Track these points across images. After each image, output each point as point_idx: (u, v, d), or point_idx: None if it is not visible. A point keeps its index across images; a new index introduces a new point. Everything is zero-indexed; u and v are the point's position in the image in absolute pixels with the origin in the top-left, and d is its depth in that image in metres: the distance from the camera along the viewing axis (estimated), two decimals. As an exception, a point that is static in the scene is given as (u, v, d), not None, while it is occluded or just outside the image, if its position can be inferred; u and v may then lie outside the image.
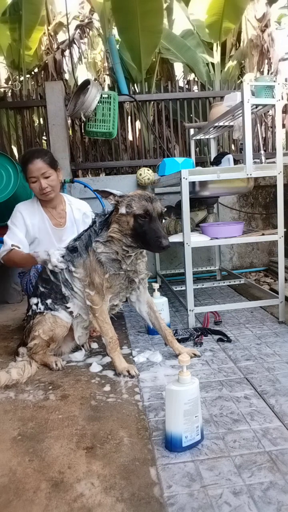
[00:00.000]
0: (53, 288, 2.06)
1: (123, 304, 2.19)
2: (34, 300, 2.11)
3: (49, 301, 2.06)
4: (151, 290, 2.40)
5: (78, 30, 5.47)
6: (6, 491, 1.19)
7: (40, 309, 2.06)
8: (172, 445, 1.32)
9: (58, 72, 4.98)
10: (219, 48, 4.63)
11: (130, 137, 4.38)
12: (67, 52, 5.17)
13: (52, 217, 2.53)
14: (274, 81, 2.41)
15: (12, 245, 2.34)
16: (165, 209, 1.95)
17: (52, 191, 2.41)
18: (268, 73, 4.72)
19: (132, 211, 1.83)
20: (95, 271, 1.94)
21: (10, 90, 4.45)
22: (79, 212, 2.59)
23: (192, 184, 2.57)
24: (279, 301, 2.51)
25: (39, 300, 2.08)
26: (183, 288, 2.68)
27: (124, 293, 2.04)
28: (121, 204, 1.86)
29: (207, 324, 2.45)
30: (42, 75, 5.08)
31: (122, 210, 1.85)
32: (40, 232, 2.48)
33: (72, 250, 2.06)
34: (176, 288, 3.07)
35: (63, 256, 2.06)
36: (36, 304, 2.08)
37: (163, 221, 1.92)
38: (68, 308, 2.05)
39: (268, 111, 4.18)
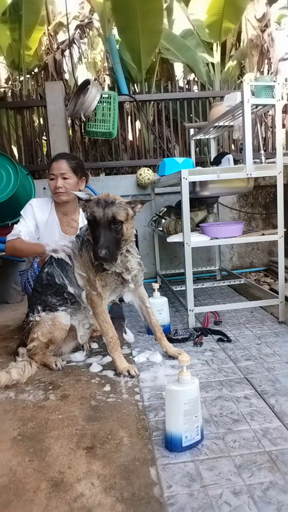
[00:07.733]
0: (53, 286, 2.06)
1: (124, 304, 2.19)
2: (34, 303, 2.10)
3: (48, 302, 2.06)
4: (151, 290, 2.41)
5: (78, 30, 5.47)
6: (6, 491, 1.19)
7: (39, 310, 2.06)
8: (172, 445, 1.32)
9: (58, 72, 4.98)
10: (219, 48, 4.63)
11: (130, 137, 4.37)
12: (67, 52, 5.17)
13: (62, 223, 2.54)
14: (274, 81, 2.41)
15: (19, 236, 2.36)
16: (132, 214, 1.87)
17: (65, 193, 2.44)
18: (268, 73, 4.72)
19: (87, 217, 1.86)
20: (89, 269, 1.97)
21: (10, 90, 4.46)
22: None
23: (192, 184, 2.57)
24: (279, 301, 2.51)
25: (38, 302, 2.08)
26: (183, 288, 2.68)
27: (120, 288, 2.03)
28: (85, 209, 1.88)
29: (207, 324, 2.45)
30: (42, 75, 5.08)
31: (85, 215, 1.88)
32: (48, 231, 2.48)
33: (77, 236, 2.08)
34: (176, 288, 3.07)
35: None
36: (36, 306, 2.08)
37: (124, 227, 1.82)
38: (72, 306, 2.05)
39: (268, 111, 4.18)
